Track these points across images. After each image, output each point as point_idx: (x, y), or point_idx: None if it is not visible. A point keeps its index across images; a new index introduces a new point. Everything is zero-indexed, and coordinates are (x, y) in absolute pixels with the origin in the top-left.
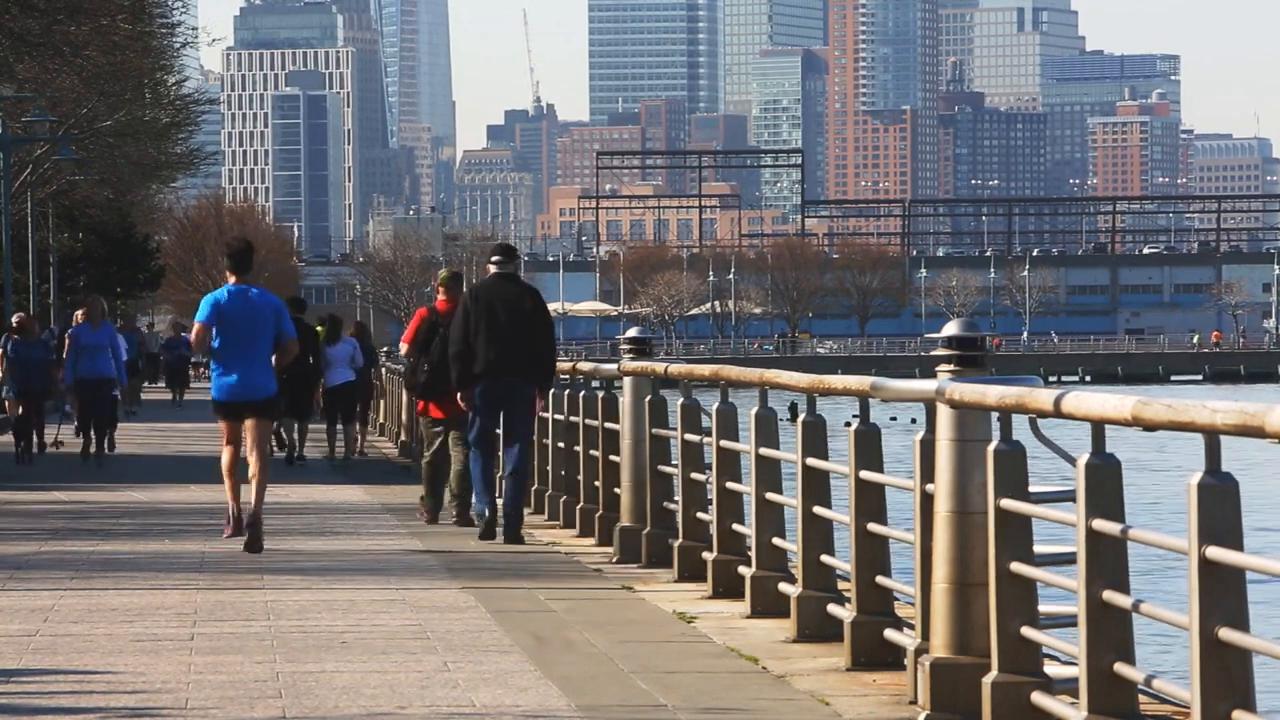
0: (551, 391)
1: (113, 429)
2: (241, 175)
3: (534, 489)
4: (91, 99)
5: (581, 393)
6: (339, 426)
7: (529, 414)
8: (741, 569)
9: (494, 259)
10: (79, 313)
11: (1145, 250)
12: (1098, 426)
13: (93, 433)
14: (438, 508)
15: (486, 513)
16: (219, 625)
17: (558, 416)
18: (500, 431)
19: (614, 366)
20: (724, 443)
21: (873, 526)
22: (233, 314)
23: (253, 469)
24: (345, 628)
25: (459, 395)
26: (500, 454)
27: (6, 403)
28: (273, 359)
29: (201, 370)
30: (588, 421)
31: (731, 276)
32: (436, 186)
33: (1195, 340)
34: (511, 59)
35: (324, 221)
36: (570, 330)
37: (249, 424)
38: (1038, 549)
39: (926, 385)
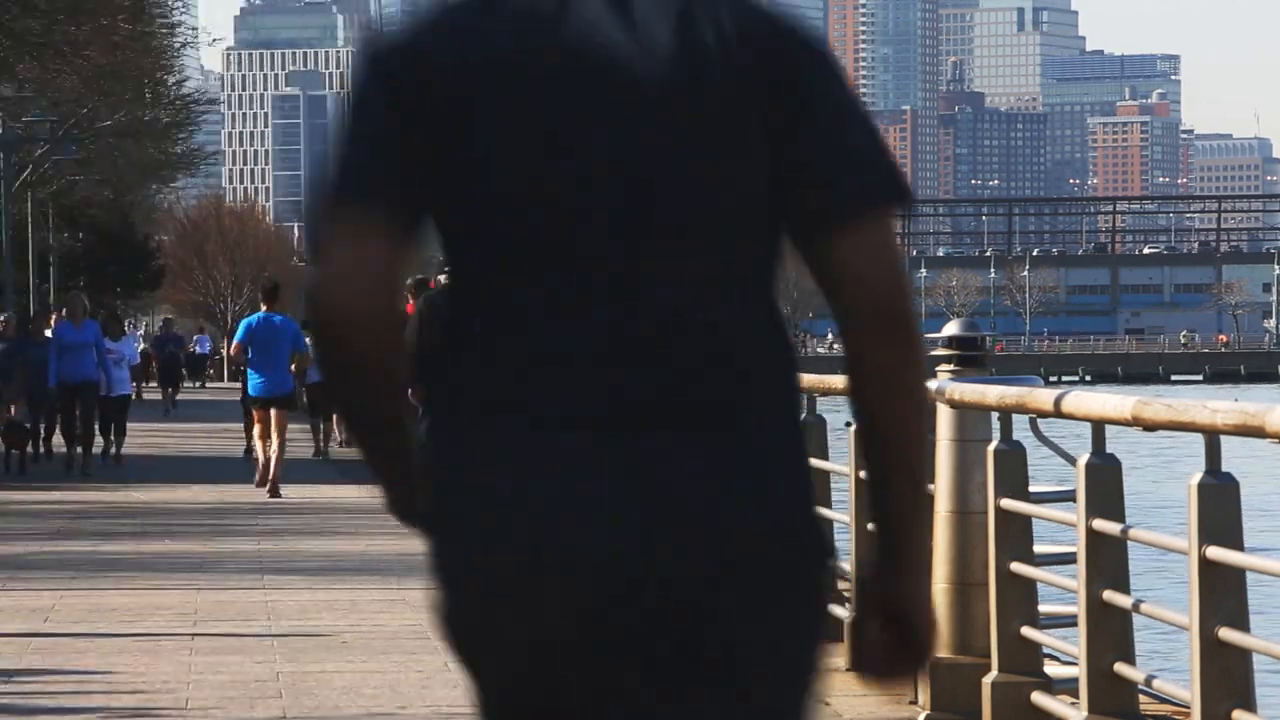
0: None
1: (121, 436)
2: (241, 175)
3: None
4: (92, 99)
5: None
6: (323, 423)
7: None
8: None
9: (446, 269)
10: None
11: (1145, 250)
12: (1098, 426)
13: (82, 439)
14: None
15: None
16: (219, 625)
17: None
18: None
19: None
20: None
21: (873, 526)
22: (261, 334)
23: (275, 445)
24: (345, 628)
25: (410, 391)
26: None
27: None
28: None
29: (210, 373)
30: None
31: None
32: None
33: (1191, 339)
34: None
35: None
36: None
37: (274, 413)
38: (1038, 549)
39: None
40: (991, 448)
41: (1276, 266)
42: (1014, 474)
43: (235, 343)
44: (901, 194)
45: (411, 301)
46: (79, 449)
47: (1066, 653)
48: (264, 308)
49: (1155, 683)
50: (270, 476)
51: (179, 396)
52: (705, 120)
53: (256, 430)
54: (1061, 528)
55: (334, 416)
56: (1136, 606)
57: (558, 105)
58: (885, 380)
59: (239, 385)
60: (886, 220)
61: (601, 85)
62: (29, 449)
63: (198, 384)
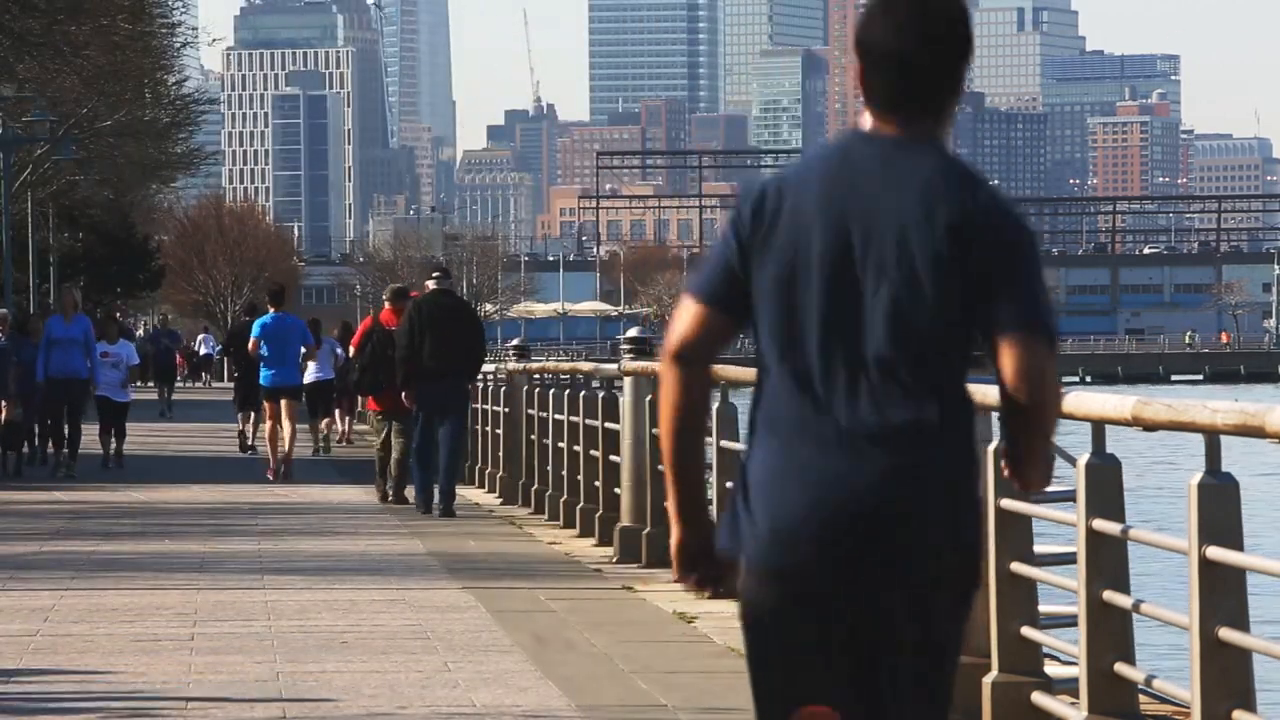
0: (552, 391)
1: (121, 440)
2: (241, 175)
3: (534, 489)
4: (91, 99)
5: (581, 393)
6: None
7: (464, 407)
8: None
9: (434, 275)
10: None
11: (1145, 250)
12: (1098, 426)
13: (68, 439)
14: (389, 486)
15: (421, 498)
16: (219, 625)
17: (558, 416)
18: (440, 424)
19: (614, 366)
20: (724, 443)
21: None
22: (273, 332)
23: (286, 430)
24: (345, 628)
25: (403, 395)
26: (439, 442)
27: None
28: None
29: (210, 376)
30: (588, 421)
31: None
32: (437, 186)
33: (1193, 339)
34: (511, 59)
35: (324, 221)
36: (570, 330)
37: (284, 403)
38: (1038, 549)
39: None
40: (992, 448)
41: (1276, 266)
42: None
43: (252, 339)
44: (1044, 331)
45: (388, 308)
46: (64, 450)
47: (1066, 653)
48: (271, 309)
49: (1155, 683)
50: (283, 467)
51: (174, 397)
52: (936, 278)
53: (267, 429)
54: (1061, 527)
55: (333, 414)
56: (1136, 606)
57: (837, 267)
58: (1029, 431)
59: (235, 385)
60: (1040, 344)
61: (866, 253)
62: (24, 449)
63: (200, 383)
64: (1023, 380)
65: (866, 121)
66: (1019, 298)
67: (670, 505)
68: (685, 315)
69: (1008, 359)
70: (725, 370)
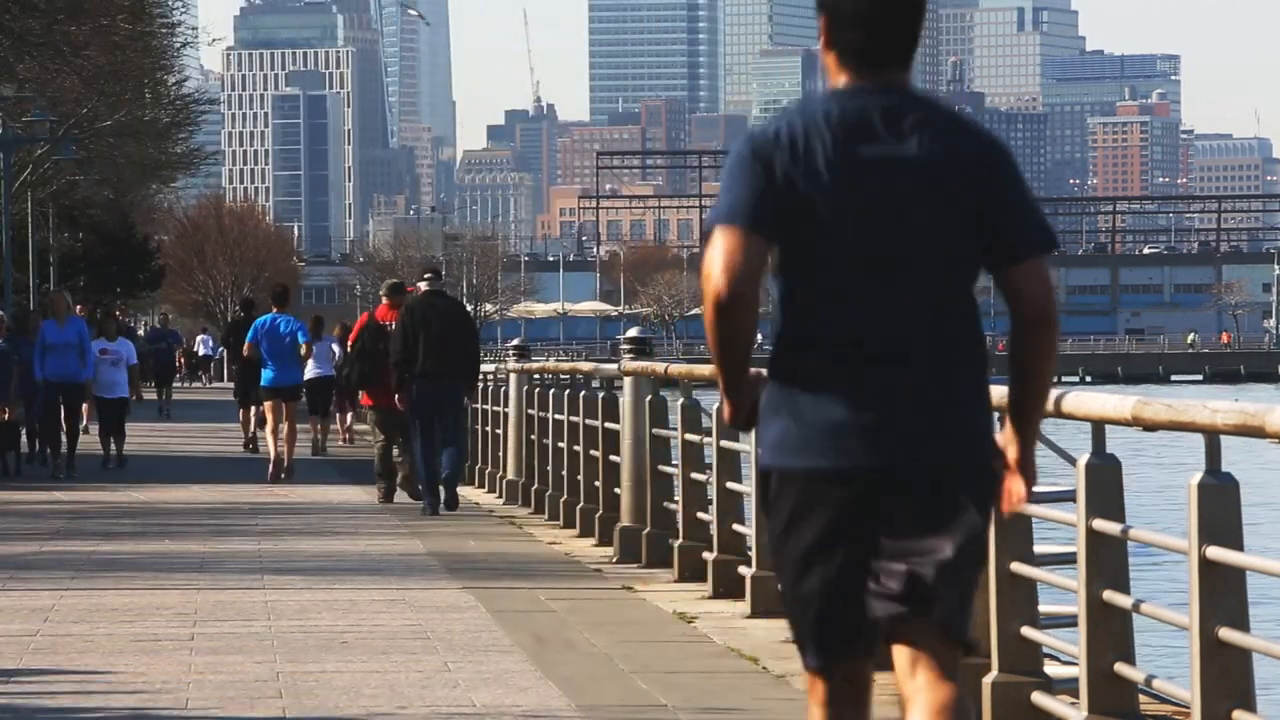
0: (552, 391)
1: (120, 439)
2: (241, 175)
3: (534, 489)
4: (91, 99)
5: (581, 393)
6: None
7: (461, 407)
8: (741, 569)
9: (426, 277)
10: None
11: (1145, 250)
12: (1098, 426)
13: (67, 440)
14: (391, 489)
15: (429, 500)
16: (219, 625)
17: (558, 416)
18: (438, 424)
19: (614, 366)
20: (724, 443)
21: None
22: (270, 333)
23: (286, 431)
24: (345, 628)
25: (397, 398)
26: (439, 443)
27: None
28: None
29: (209, 376)
30: (588, 421)
31: None
32: (437, 186)
33: (1194, 340)
34: (511, 59)
35: (324, 221)
36: (570, 330)
37: (285, 405)
38: (1038, 549)
39: None
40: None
41: (1276, 266)
42: None
43: (248, 343)
44: (1051, 244)
45: (385, 304)
46: (64, 451)
47: (1066, 653)
48: (274, 310)
49: (1155, 683)
50: (285, 466)
51: (174, 397)
52: (938, 207)
53: (268, 425)
54: (1061, 527)
55: (332, 414)
56: (1136, 606)
57: (852, 202)
58: (1037, 351)
59: (236, 380)
60: (1043, 259)
61: (876, 190)
62: (23, 449)
63: (198, 383)
64: (1035, 297)
65: (840, 80)
66: (1015, 221)
67: (721, 390)
68: (729, 244)
69: (1021, 280)
70: None
